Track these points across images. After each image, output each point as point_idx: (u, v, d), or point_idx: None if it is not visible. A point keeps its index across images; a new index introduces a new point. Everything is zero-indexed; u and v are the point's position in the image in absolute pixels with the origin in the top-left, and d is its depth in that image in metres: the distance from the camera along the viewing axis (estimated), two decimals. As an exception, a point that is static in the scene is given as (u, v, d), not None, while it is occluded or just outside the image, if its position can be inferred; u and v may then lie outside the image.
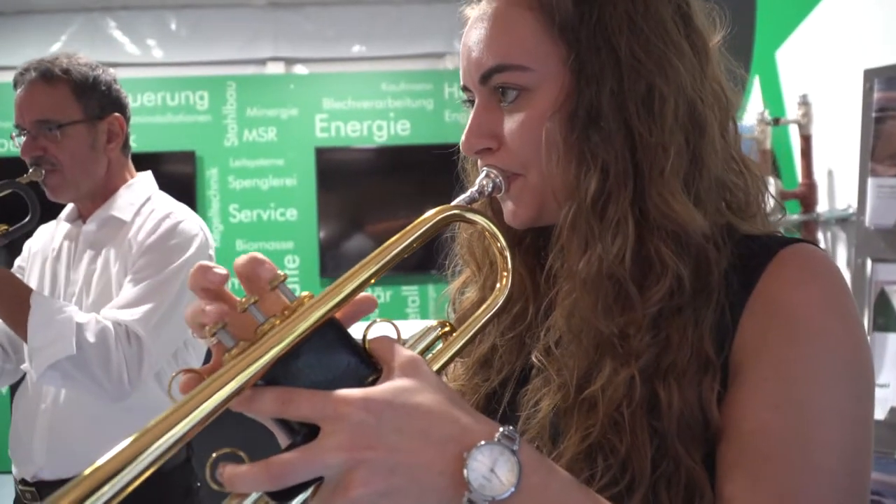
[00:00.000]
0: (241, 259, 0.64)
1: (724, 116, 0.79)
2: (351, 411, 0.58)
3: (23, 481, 1.80)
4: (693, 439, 0.71)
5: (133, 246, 1.75)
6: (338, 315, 0.65)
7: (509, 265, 0.76)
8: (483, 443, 0.60)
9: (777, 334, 0.71)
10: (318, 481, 0.59)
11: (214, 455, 0.59)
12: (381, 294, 5.21)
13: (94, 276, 1.79)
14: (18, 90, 1.79)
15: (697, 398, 0.71)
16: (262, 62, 5.50)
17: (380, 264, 0.66)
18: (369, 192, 5.23)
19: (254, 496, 0.62)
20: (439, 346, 0.73)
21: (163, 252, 1.72)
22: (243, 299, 0.62)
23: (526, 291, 0.85)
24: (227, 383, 0.59)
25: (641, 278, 0.73)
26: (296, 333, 0.61)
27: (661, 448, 0.71)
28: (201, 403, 0.57)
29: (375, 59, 5.52)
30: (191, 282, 0.65)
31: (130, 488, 0.54)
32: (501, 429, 0.62)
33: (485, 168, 0.80)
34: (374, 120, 5.35)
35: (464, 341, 0.73)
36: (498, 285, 0.75)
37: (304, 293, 0.64)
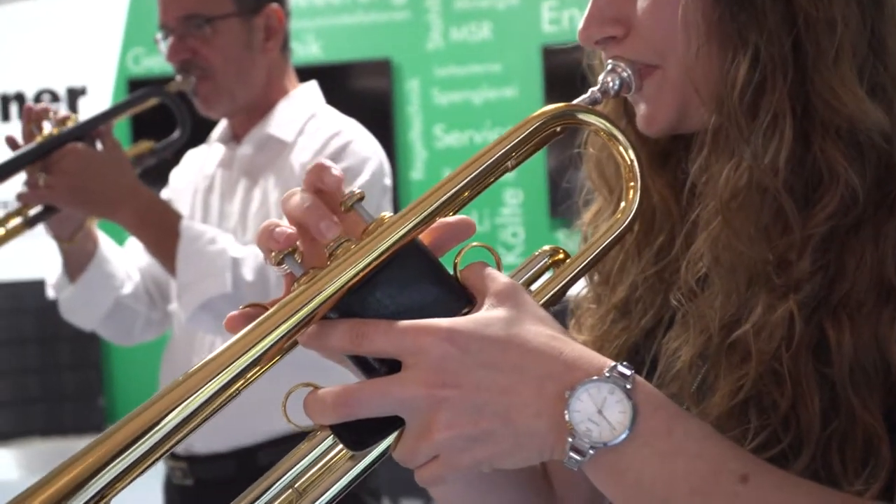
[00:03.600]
0: (308, 171, 0.69)
1: None
2: (432, 343, 0.62)
3: (172, 456, 1.88)
4: (871, 388, 0.69)
5: (295, 169, 1.81)
6: (425, 240, 0.68)
7: (637, 172, 0.76)
8: (590, 379, 0.63)
9: None
10: (398, 427, 0.64)
11: (290, 389, 0.64)
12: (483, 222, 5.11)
13: (252, 208, 1.87)
14: None
15: (875, 337, 0.70)
16: (471, -63, 5.33)
17: (472, 175, 0.70)
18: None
19: (328, 440, 0.68)
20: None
21: None
22: None
23: (671, 217, 0.85)
24: (291, 315, 0.63)
25: (804, 190, 0.73)
26: (371, 258, 0.65)
27: (832, 400, 0.70)
28: (261, 338, 0.62)
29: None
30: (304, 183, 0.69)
31: (182, 433, 0.60)
32: (613, 363, 0.64)
33: (610, 62, 0.80)
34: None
35: (577, 270, 0.75)
36: (622, 203, 0.76)
37: (385, 214, 0.67)
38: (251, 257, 1.72)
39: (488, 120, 5.21)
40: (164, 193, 2.06)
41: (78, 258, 1.87)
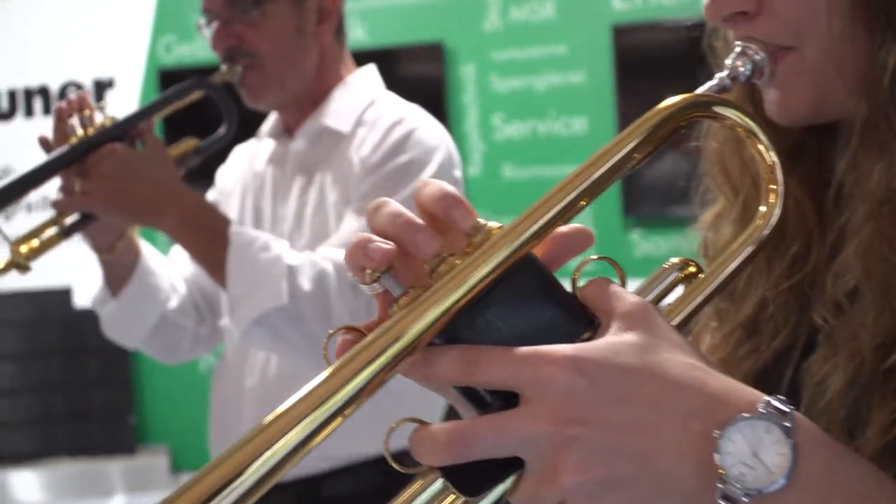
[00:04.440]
0: (431, 189, 0.68)
1: None
2: (557, 372, 0.60)
3: None
4: None
5: (355, 164, 1.82)
6: (538, 253, 0.67)
7: (780, 176, 0.74)
8: (742, 416, 0.61)
9: None
10: (517, 470, 0.62)
11: (394, 424, 0.63)
12: (660, 244, 4.97)
13: (308, 209, 1.88)
14: None
15: None
16: None
17: (592, 178, 0.68)
18: (693, 89, 4.70)
19: (438, 484, 0.64)
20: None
21: (394, 171, 1.78)
22: None
23: (807, 223, 0.83)
24: (392, 342, 0.62)
25: None
26: (481, 275, 0.64)
27: None
28: (360, 370, 0.61)
29: None
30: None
31: (274, 479, 0.60)
32: (767, 398, 0.62)
33: (739, 43, 0.79)
34: (700, -21, 4.88)
35: (714, 286, 0.73)
36: (762, 208, 0.74)
37: (492, 224, 0.67)
38: (308, 265, 1.72)
39: (553, 108, 5.14)
40: (210, 195, 2.08)
41: (119, 270, 1.88)
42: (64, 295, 5.02)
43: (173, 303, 1.95)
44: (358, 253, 0.66)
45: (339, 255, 1.73)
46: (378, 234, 0.67)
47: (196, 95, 1.87)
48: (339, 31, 1.95)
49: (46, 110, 5.38)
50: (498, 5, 5.18)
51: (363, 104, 1.92)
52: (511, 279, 0.64)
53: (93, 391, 5.18)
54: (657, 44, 5.05)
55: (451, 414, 0.68)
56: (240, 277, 1.70)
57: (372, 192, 1.79)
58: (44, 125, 5.72)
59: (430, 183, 0.68)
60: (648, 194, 4.92)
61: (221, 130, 1.90)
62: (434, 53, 5.20)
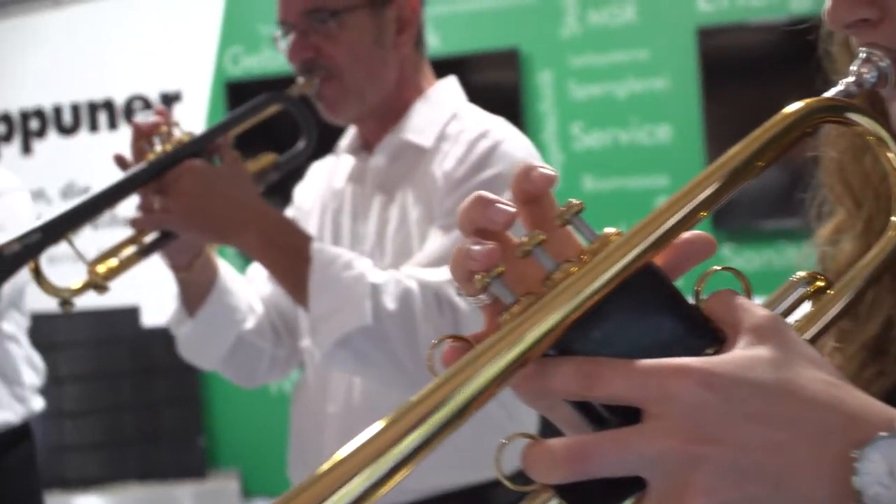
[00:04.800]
0: (534, 173, 0.68)
1: None
2: (686, 387, 0.59)
3: None
4: None
5: (438, 180, 1.83)
6: (659, 261, 0.66)
7: None
8: (880, 435, 0.60)
9: None
10: (637, 490, 0.61)
11: (505, 440, 0.62)
12: (753, 258, 4.95)
13: (390, 228, 1.89)
14: None
15: None
16: None
17: (714, 187, 0.67)
18: (783, 94, 4.64)
19: None
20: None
21: (479, 186, 1.76)
22: (524, 239, 0.65)
23: None
24: (505, 353, 0.61)
25: None
26: (598, 285, 0.63)
27: None
28: (470, 381, 0.60)
29: None
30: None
31: (381, 492, 0.59)
32: None
33: (863, 49, 0.78)
34: (790, -21, 5.12)
35: (844, 303, 0.72)
36: (893, 218, 0.74)
37: (609, 230, 0.66)
38: (392, 283, 1.71)
39: (635, 116, 5.11)
40: (288, 213, 2.08)
41: (196, 289, 1.89)
42: (132, 314, 5.07)
43: (250, 323, 1.96)
44: (461, 259, 0.66)
45: (424, 273, 1.74)
46: (473, 234, 0.68)
47: (273, 109, 1.88)
48: (419, 42, 1.96)
49: (112, 125, 5.48)
50: (575, 9, 5.16)
51: (445, 117, 1.92)
52: (630, 289, 0.64)
53: (162, 413, 5.25)
54: (744, 46, 5.04)
55: (546, 435, 0.66)
56: (322, 297, 1.70)
57: (456, 207, 1.75)
58: (109, 140, 5.87)
59: (492, 201, 0.68)
60: (739, 206, 4.87)
61: (300, 145, 1.90)
62: (509, 60, 5.17)
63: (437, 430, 0.59)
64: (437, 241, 1.79)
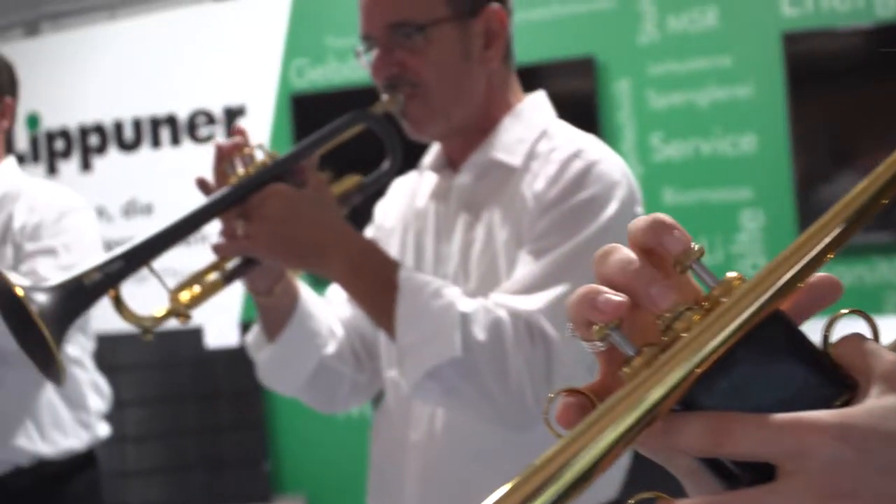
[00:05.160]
0: (639, 223, 0.68)
1: None
2: (821, 442, 0.59)
3: None
4: None
5: (528, 201, 1.82)
6: (784, 307, 0.65)
7: None
8: None
9: None
10: None
11: (631, 501, 0.62)
12: (843, 274, 4.85)
13: (475, 249, 1.89)
14: None
15: None
16: None
17: (839, 228, 0.66)
18: (871, 101, 4.84)
19: None
20: None
21: (573, 208, 1.77)
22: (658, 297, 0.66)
23: None
24: (630, 412, 0.61)
25: None
26: (725, 336, 0.62)
27: None
28: (594, 443, 0.60)
29: None
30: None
31: None
32: None
33: None
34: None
35: None
36: None
37: (731, 274, 0.66)
38: (482, 312, 1.70)
39: (718, 125, 5.02)
40: (369, 232, 2.10)
41: (277, 314, 1.91)
42: (195, 335, 5.09)
43: (331, 348, 1.97)
44: (585, 306, 0.66)
45: (514, 301, 1.73)
46: (606, 284, 0.67)
47: (355, 128, 1.87)
48: (507, 56, 1.95)
49: (174, 140, 5.53)
50: (654, 15, 5.13)
51: (535, 135, 1.91)
52: (757, 337, 0.63)
53: (226, 437, 5.28)
54: (831, 52, 4.99)
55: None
56: (410, 327, 1.70)
57: (549, 231, 1.79)
58: (171, 156, 5.91)
59: (612, 251, 0.69)
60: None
61: (385, 165, 1.90)
62: (585, 69, 5.14)
63: (562, 495, 0.59)
64: (527, 267, 1.78)
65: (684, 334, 0.63)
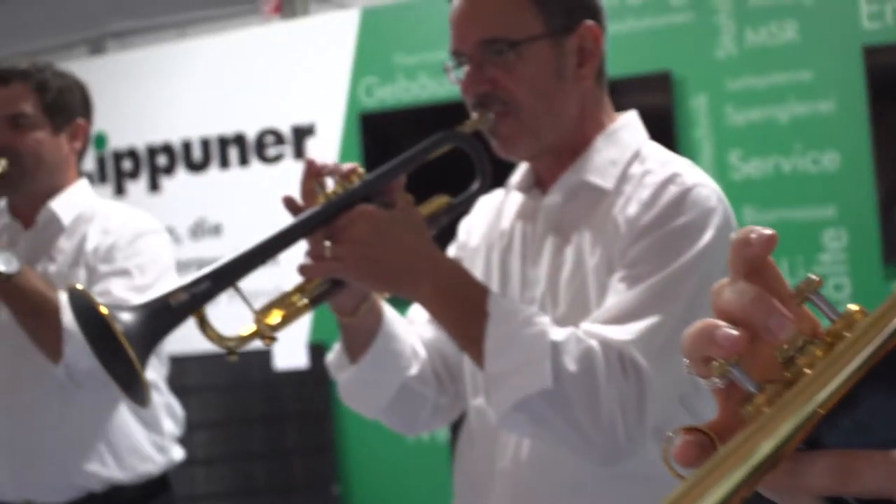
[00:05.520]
0: (752, 236, 0.67)
1: None
2: None
3: None
4: None
5: (620, 225, 1.80)
6: None
7: None
8: None
9: None
10: None
11: None
12: None
13: (564, 273, 1.86)
14: (455, 0, 1.87)
15: None
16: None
17: None
18: None
19: None
20: None
21: (668, 235, 1.75)
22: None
23: None
24: (755, 453, 0.60)
25: None
26: (849, 371, 0.62)
27: None
28: (718, 485, 0.59)
29: None
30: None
31: None
32: None
33: None
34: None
35: None
36: None
37: (852, 307, 0.65)
38: (573, 341, 1.68)
39: (798, 142, 4.97)
40: (452, 251, 2.09)
41: (360, 334, 1.89)
42: (263, 357, 5.08)
43: (414, 370, 1.96)
44: (703, 341, 0.66)
45: (606, 331, 1.71)
46: (722, 317, 0.67)
47: (444, 148, 1.85)
48: (601, 74, 1.93)
49: (242, 160, 5.53)
50: (731, 29, 5.08)
51: (627, 157, 1.89)
52: (881, 373, 0.62)
53: (295, 460, 5.28)
54: None
55: None
56: (500, 356, 1.68)
57: (643, 258, 1.76)
58: (240, 176, 5.91)
59: (728, 283, 0.68)
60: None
61: (475, 185, 1.88)
62: (661, 84, 5.10)
63: None
64: (619, 296, 1.75)
65: (808, 370, 0.63)
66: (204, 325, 1.69)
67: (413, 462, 5.25)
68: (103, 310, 1.61)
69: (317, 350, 5.18)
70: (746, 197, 5.05)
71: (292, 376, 5.17)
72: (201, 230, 5.54)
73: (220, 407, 5.29)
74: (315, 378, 5.13)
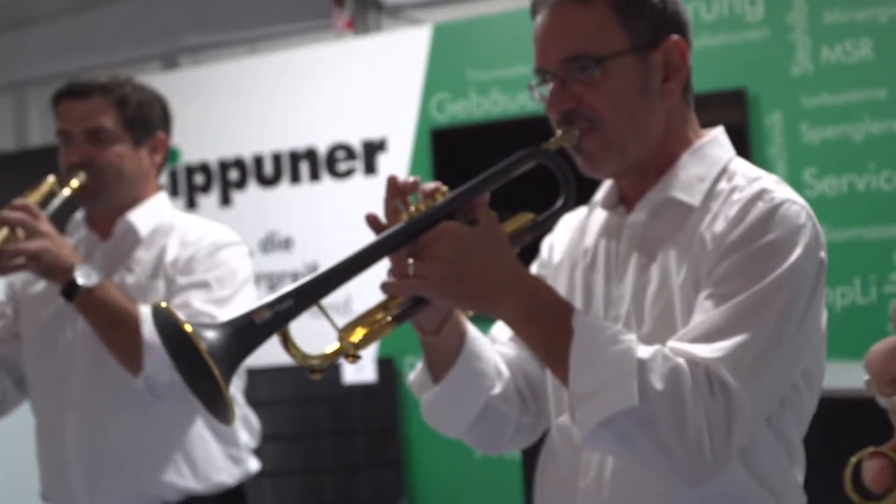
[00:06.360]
0: None
1: None
2: None
3: None
4: None
5: (707, 242, 1.78)
6: None
7: None
8: None
9: None
10: None
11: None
12: None
13: (649, 291, 1.84)
14: (538, 17, 1.86)
15: None
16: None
17: None
18: None
19: None
20: None
21: (756, 252, 1.72)
22: None
23: None
24: None
25: None
26: None
27: None
28: None
29: None
30: None
31: None
32: None
33: None
34: None
35: None
36: None
37: None
38: (659, 359, 1.65)
39: (873, 160, 4.91)
40: (534, 268, 2.08)
41: (443, 353, 1.87)
42: (332, 371, 5.09)
43: (497, 389, 1.94)
44: (893, 360, 0.65)
45: (693, 349, 1.69)
46: None
47: (528, 165, 1.83)
48: (687, 89, 1.90)
49: (313, 175, 5.57)
50: (807, 46, 5.03)
51: (714, 173, 1.87)
52: None
53: (362, 474, 5.29)
54: None
55: None
56: (585, 374, 1.65)
57: (730, 276, 1.73)
58: (310, 191, 5.93)
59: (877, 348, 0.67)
60: None
61: (559, 202, 1.85)
62: (736, 101, 5.07)
63: None
64: (707, 314, 1.72)
65: None
66: (287, 342, 1.68)
67: (480, 477, 5.24)
68: (188, 328, 1.60)
69: (385, 365, 5.20)
70: (820, 215, 4.77)
71: (360, 390, 5.20)
72: (271, 244, 5.59)
73: (289, 420, 5.32)
74: (383, 392, 5.15)
